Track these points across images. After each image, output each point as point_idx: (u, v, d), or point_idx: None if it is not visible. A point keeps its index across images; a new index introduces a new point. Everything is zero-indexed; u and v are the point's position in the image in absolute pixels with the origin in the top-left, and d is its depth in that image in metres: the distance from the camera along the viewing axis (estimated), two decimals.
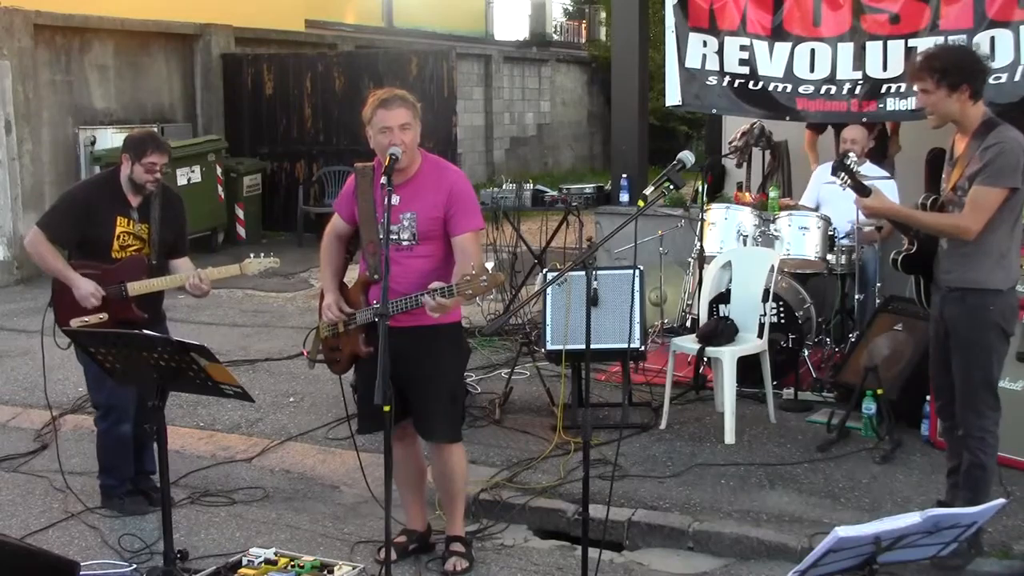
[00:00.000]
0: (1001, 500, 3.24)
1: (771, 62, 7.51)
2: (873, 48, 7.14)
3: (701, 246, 7.06)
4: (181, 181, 11.30)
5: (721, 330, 6.00)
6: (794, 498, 5.03)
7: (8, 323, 9.03)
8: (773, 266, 6.23)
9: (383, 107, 4.21)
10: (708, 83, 7.78)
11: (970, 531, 3.02)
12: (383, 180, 4.03)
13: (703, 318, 6.37)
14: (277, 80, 13.62)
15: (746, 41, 7.59)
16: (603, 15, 24.21)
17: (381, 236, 4.07)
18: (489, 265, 5.07)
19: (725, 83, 7.70)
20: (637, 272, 5.91)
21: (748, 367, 6.05)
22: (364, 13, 19.60)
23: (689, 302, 7.38)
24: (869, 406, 5.71)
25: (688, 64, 7.82)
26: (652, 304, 7.59)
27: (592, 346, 3.85)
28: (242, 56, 13.93)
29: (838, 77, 7.28)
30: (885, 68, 7.10)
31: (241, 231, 12.85)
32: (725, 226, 7.03)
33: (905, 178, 7.73)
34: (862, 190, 4.40)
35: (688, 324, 7.23)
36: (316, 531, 4.94)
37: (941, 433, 4.76)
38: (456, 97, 13.42)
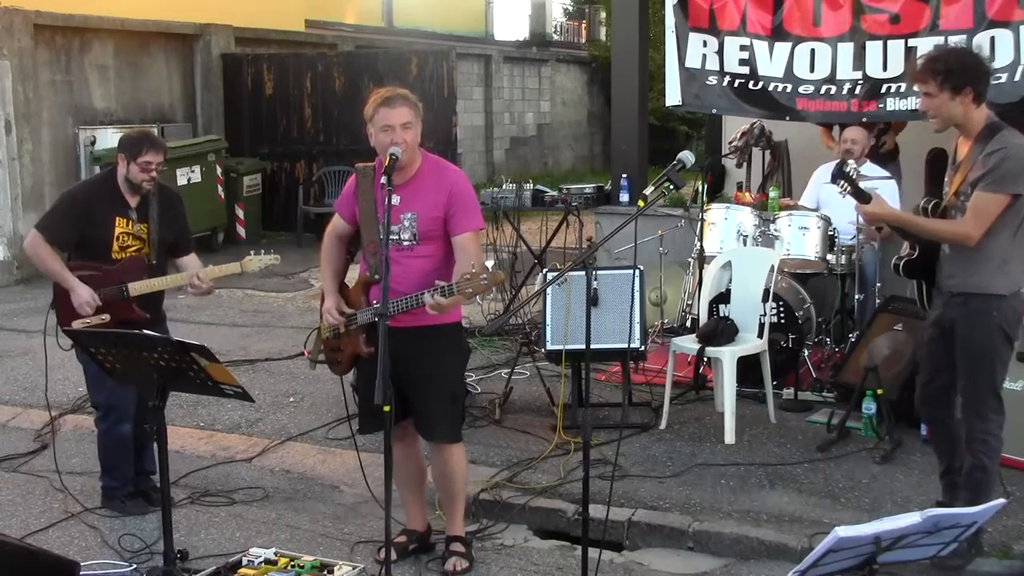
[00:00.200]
0: (1001, 500, 3.24)
1: (771, 62, 7.51)
2: (873, 48, 7.13)
3: (701, 246, 7.06)
4: (181, 181, 11.31)
5: (721, 330, 6.00)
6: (794, 498, 5.03)
7: (8, 323, 9.03)
8: (773, 266, 6.23)
9: (386, 105, 4.20)
10: (708, 83, 7.78)
11: (970, 531, 3.03)
12: (383, 180, 4.04)
13: (703, 318, 6.37)
14: (277, 80, 13.62)
15: (746, 41, 7.59)
16: (603, 15, 24.22)
17: (381, 236, 4.07)
18: (489, 264, 5.07)
19: (725, 83, 7.70)
20: (637, 272, 5.91)
21: (748, 367, 6.05)
22: (364, 13, 19.60)
23: (689, 302, 7.38)
24: (869, 406, 5.71)
25: (688, 64, 7.82)
26: (652, 304, 7.59)
27: (592, 346, 3.85)
28: (242, 56, 13.93)
29: (838, 77, 7.28)
30: (885, 68, 7.10)
31: (241, 231, 12.85)
32: (725, 226, 7.03)
33: (905, 178, 7.73)
34: (862, 196, 4.38)
35: (688, 324, 7.23)
36: (316, 531, 4.94)
37: (927, 437, 4.75)
38: (456, 97, 13.43)
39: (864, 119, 7.20)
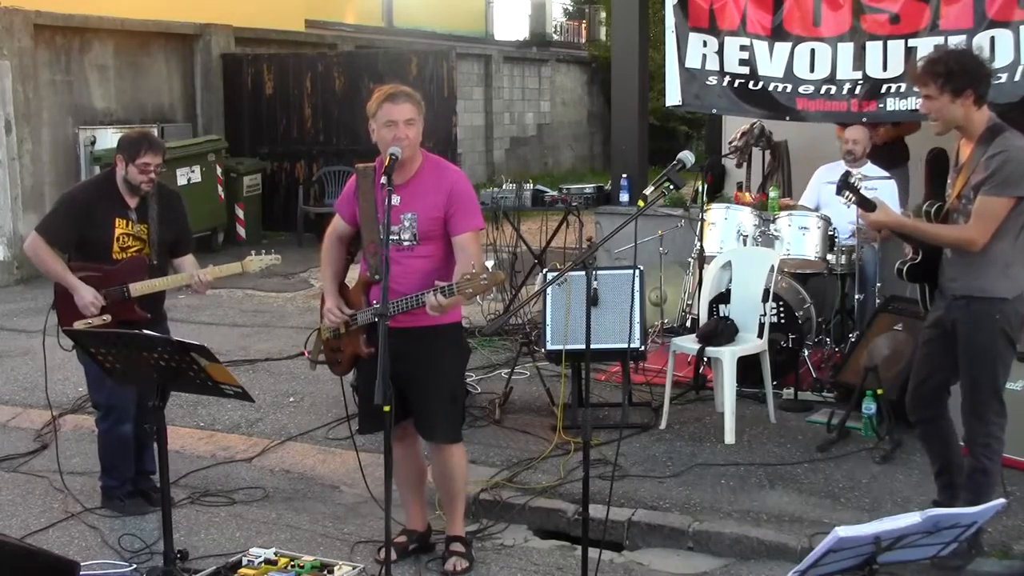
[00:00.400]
0: (1001, 500, 3.24)
1: (771, 62, 7.50)
2: (873, 48, 7.13)
3: (701, 246, 7.06)
4: (181, 181, 11.31)
5: (721, 330, 6.00)
6: (794, 498, 5.03)
7: (8, 323, 9.03)
8: (773, 266, 6.23)
9: (390, 101, 4.20)
10: (708, 83, 7.78)
11: (970, 531, 3.02)
12: (383, 180, 4.04)
13: (703, 318, 6.37)
14: (277, 80, 13.62)
15: (746, 41, 7.58)
16: (603, 15, 24.22)
17: (381, 236, 4.07)
18: (489, 264, 5.07)
19: (725, 83, 7.70)
20: (637, 272, 5.91)
21: (748, 367, 6.04)
22: (364, 13, 19.60)
23: (689, 302, 7.38)
24: (869, 406, 5.71)
25: (688, 64, 7.82)
26: (652, 304, 7.59)
27: (592, 346, 3.85)
28: (242, 56, 13.93)
29: (838, 77, 7.27)
30: (885, 68, 7.09)
31: (241, 231, 12.85)
32: (725, 226, 7.03)
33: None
34: (867, 205, 4.38)
35: (688, 324, 7.22)
36: (316, 531, 4.94)
37: (919, 437, 4.74)
38: (456, 97, 13.42)
39: (864, 119, 7.20)
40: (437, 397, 4.37)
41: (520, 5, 25.02)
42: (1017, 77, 6.63)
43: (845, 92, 7.25)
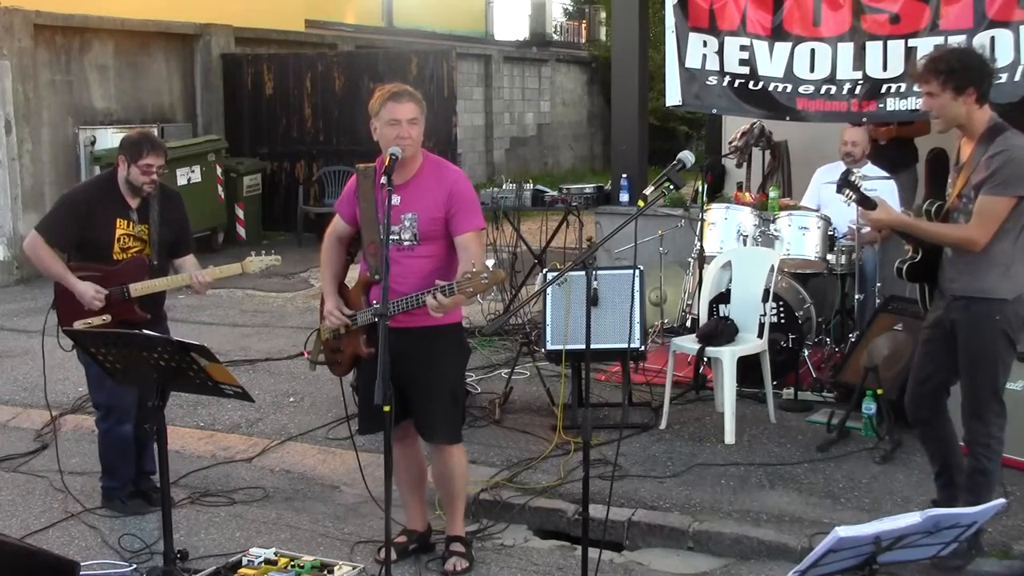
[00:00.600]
0: (1001, 500, 3.24)
1: (771, 62, 7.50)
2: (873, 48, 7.13)
3: (701, 246, 7.06)
4: (181, 181, 11.31)
5: (721, 330, 6.00)
6: (794, 498, 5.03)
7: (8, 323, 9.03)
8: (773, 266, 6.23)
9: (393, 100, 4.20)
10: (708, 83, 7.78)
11: (970, 531, 3.03)
12: (383, 180, 4.03)
13: (703, 318, 6.37)
14: (277, 80, 13.62)
15: (746, 41, 7.58)
16: (603, 15, 24.23)
17: (382, 236, 4.07)
18: (489, 264, 5.07)
19: (725, 83, 7.70)
20: (637, 272, 5.91)
21: (748, 367, 6.05)
22: (364, 13, 19.60)
23: (689, 302, 7.38)
24: (869, 406, 5.71)
25: (688, 64, 7.82)
26: (652, 304, 7.59)
27: (592, 346, 3.85)
28: (242, 56, 13.93)
29: (838, 77, 7.27)
30: (885, 68, 7.09)
31: (241, 231, 12.85)
32: (725, 226, 7.04)
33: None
34: (868, 204, 4.38)
35: (688, 324, 7.22)
36: (316, 531, 4.94)
37: (919, 438, 4.74)
38: (456, 97, 13.42)
39: (864, 119, 7.21)
40: (437, 397, 4.37)
41: (520, 5, 25.06)
42: (1017, 77, 6.63)
43: (845, 92, 7.25)
